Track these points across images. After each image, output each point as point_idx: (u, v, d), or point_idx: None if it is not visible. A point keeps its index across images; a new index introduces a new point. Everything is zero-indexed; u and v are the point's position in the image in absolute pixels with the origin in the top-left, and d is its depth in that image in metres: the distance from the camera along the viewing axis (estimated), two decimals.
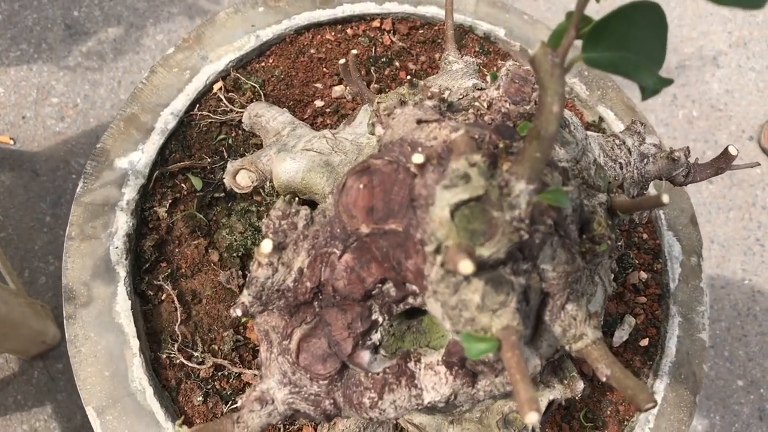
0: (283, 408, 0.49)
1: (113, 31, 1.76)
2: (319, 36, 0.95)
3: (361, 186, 0.44)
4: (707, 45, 2.11)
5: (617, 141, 0.67)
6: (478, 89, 0.63)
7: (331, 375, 0.48)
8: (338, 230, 0.45)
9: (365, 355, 0.47)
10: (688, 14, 2.12)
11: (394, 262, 0.42)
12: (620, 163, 0.66)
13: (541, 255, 0.42)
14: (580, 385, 0.60)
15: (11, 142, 1.64)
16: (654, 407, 0.38)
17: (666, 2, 2.08)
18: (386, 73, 0.94)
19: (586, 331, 0.44)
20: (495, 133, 0.40)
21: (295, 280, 0.47)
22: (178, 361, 0.82)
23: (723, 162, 0.68)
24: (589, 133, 0.66)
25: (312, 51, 0.93)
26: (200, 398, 0.81)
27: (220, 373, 0.83)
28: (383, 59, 0.93)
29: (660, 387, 0.88)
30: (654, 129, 0.86)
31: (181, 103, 0.88)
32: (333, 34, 0.95)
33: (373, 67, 0.93)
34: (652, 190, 0.95)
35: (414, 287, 0.42)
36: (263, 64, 0.92)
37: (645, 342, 0.92)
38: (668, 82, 0.36)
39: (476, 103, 0.48)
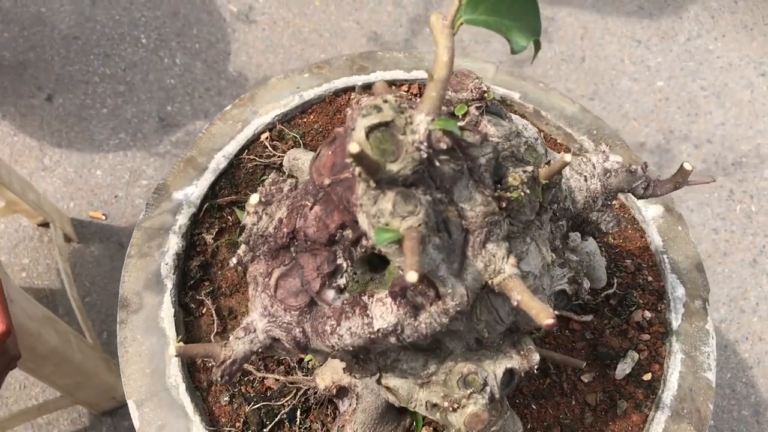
0: (263, 336, 0.60)
1: (200, 123, 1.98)
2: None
3: (330, 152, 0.56)
4: (764, 143, 2.16)
5: (584, 159, 0.77)
6: None
7: (301, 307, 0.58)
8: (311, 187, 0.57)
9: (330, 293, 0.58)
10: (744, 114, 2.19)
11: (345, 203, 0.53)
12: (585, 176, 0.76)
13: (456, 192, 0.52)
14: (536, 357, 0.67)
15: (103, 217, 1.85)
16: (553, 324, 0.47)
17: (721, 103, 2.16)
18: None
19: (504, 267, 0.53)
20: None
21: (275, 227, 0.59)
22: (210, 365, 0.93)
23: (680, 177, 0.76)
24: (557, 154, 0.76)
25: (348, 110, 1.08)
26: (226, 399, 0.91)
27: (245, 378, 0.93)
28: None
29: (661, 418, 0.92)
30: (653, 170, 0.95)
31: (232, 148, 1.03)
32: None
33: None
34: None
35: (364, 227, 0.52)
36: (305, 119, 1.08)
37: (648, 376, 0.96)
38: (537, 43, 0.47)
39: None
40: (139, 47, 2.11)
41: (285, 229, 0.58)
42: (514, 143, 0.59)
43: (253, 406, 0.90)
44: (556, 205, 0.66)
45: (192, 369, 0.93)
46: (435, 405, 0.66)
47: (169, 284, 0.95)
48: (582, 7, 2.26)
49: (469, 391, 0.65)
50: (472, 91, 0.58)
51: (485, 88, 0.59)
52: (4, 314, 1.00)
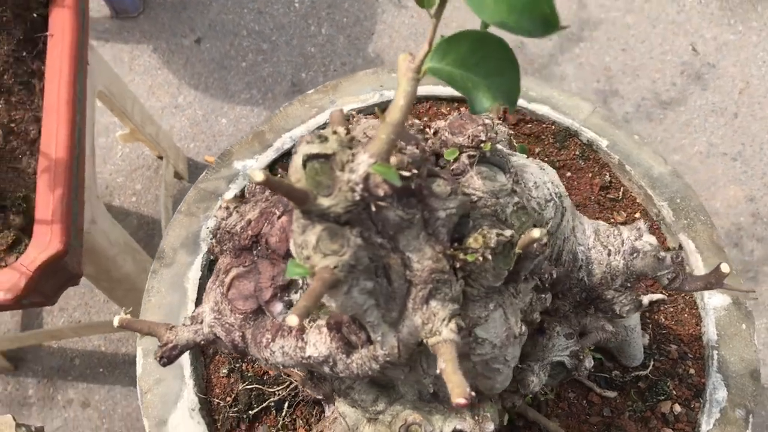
0: (207, 330, 0.60)
1: None
2: (435, 108, 1.07)
3: None
4: None
5: (615, 231, 0.71)
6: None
7: (247, 312, 0.58)
8: (284, 197, 0.56)
9: (278, 306, 0.57)
10: None
11: None
12: (609, 249, 0.70)
13: (402, 240, 0.49)
14: (490, 426, 0.63)
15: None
16: (463, 405, 0.44)
17: None
18: None
19: (442, 330, 0.50)
20: (403, 139, 0.49)
21: (242, 227, 0.59)
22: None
23: (714, 278, 0.69)
24: (587, 220, 0.71)
25: (425, 118, 1.06)
26: (225, 371, 0.93)
27: (249, 357, 0.94)
28: (520, 144, 1.03)
29: None
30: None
31: (300, 131, 1.04)
32: (447, 108, 1.07)
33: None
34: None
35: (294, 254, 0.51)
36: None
37: None
38: (509, 108, 0.43)
39: (427, 129, 0.57)
40: (290, 10, 2.17)
41: (250, 231, 0.57)
42: (502, 202, 0.55)
43: (246, 385, 0.92)
44: (553, 276, 0.61)
45: None
46: None
47: (204, 247, 0.97)
48: (751, 60, 2.08)
49: None
50: (469, 138, 0.55)
51: (483, 138, 0.55)
52: (64, 233, 1.06)
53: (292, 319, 0.40)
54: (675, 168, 1.04)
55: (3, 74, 1.15)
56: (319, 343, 0.55)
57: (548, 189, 0.64)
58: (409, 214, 0.49)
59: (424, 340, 0.51)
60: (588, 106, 1.07)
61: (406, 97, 0.44)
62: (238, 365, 0.94)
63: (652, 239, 0.69)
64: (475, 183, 0.55)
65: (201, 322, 0.60)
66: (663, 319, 0.97)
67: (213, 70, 2.09)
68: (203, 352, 0.95)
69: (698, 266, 0.97)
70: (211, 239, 0.60)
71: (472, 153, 0.55)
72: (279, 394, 0.91)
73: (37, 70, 1.18)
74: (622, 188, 1.04)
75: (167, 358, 0.60)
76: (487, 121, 0.58)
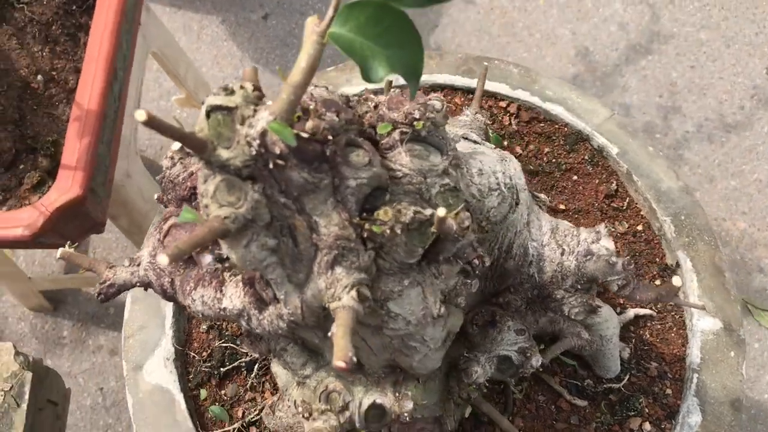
0: (143, 273, 0.62)
1: None
2: (449, 97, 1.07)
3: None
4: None
5: (574, 231, 0.70)
6: (466, 139, 0.72)
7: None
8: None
9: (207, 258, 0.59)
10: None
11: None
12: (563, 249, 0.69)
13: (309, 203, 0.50)
14: (408, 404, 0.64)
15: None
16: (341, 369, 0.44)
17: None
18: None
19: (343, 296, 0.51)
20: (323, 105, 0.50)
21: (183, 178, 0.61)
22: None
23: (665, 291, 0.67)
24: (547, 218, 0.70)
25: None
26: (205, 327, 0.96)
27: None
28: (494, 135, 1.03)
29: None
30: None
31: None
32: (462, 99, 1.07)
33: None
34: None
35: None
36: None
37: None
38: (413, 81, 0.44)
39: (368, 103, 0.57)
40: None
41: (190, 183, 0.60)
42: (428, 182, 0.55)
43: (222, 343, 0.95)
44: (482, 263, 0.61)
45: None
46: (298, 406, 0.65)
47: None
48: None
49: (324, 407, 0.63)
50: (404, 114, 0.55)
51: (417, 116, 0.55)
52: (85, 180, 1.12)
53: (162, 259, 0.42)
54: (687, 185, 1.01)
55: (51, 25, 1.21)
56: (234, 297, 0.57)
57: (496, 178, 0.64)
58: (315, 177, 0.50)
59: (327, 304, 0.52)
60: (605, 112, 1.05)
61: (309, 60, 0.44)
62: (218, 323, 0.97)
63: (610, 244, 0.68)
64: (403, 159, 0.55)
65: (138, 265, 0.63)
66: (648, 335, 0.95)
67: (275, 47, 2.14)
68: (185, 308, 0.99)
69: (692, 286, 0.94)
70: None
71: (404, 130, 0.55)
72: (251, 356, 0.93)
73: (84, 24, 1.24)
74: (627, 198, 1.01)
75: (104, 294, 0.63)
76: (435, 103, 0.58)
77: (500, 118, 1.06)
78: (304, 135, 0.49)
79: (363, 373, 0.65)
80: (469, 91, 1.07)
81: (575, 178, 1.03)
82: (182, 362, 0.94)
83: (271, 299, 0.55)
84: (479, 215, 0.63)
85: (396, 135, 0.55)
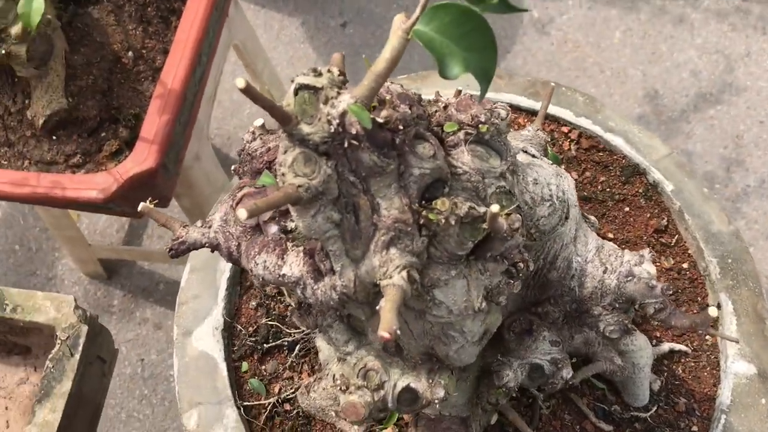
0: (213, 234, 0.67)
1: None
2: (514, 116, 1.11)
3: None
4: None
5: (618, 253, 0.72)
6: (525, 152, 0.75)
7: (246, 226, 0.65)
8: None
9: (274, 228, 0.64)
10: None
11: None
12: (606, 267, 0.72)
13: (374, 185, 0.55)
14: (440, 392, 0.67)
15: None
16: (385, 339, 0.48)
17: None
18: None
19: (394, 275, 0.55)
20: (398, 98, 0.55)
21: (261, 153, 0.66)
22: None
23: (700, 319, 0.69)
24: (594, 236, 0.73)
25: None
26: (254, 304, 1.01)
27: (280, 296, 1.02)
28: (552, 153, 1.06)
29: None
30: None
31: None
32: (525, 120, 1.11)
33: None
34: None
35: None
36: None
37: None
38: (484, 85, 0.48)
39: (438, 103, 0.62)
40: None
41: (266, 157, 0.65)
42: (486, 182, 0.59)
43: (268, 321, 1.00)
44: (534, 270, 0.64)
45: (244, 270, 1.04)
46: (336, 380, 0.69)
47: None
48: None
49: (361, 383, 0.67)
50: (470, 116, 0.59)
51: (483, 120, 0.59)
52: (159, 154, 1.18)
53: (241, 213, 0.47)
54: (738, 230, 1.03)
55: (147, 6, 1.29)
56: (294, 265, 0.61)
57: (550, 190, 0.67)
58: (383, 162, 0.54)
59: (378, 281, 0.56)
60: (665, 149, 1.07)
61: (393, 52, 0.49)
62: (267, 302, 1.02)
63: (651, 268, 0.70)
64: (464, 158, 0.59)
65: (210, 227, 0.68)
66: (680, 371, 0.96)
67: (349, 54, 2.20)
68: (240, 283, 1.04)
69: (731, 329, 0.95)
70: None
71: (469, 131, 0.59)
72: (294, 336, 0.98)
73: (177, 9, 1.31)
74: (677, 236, 1.03)
75: (175, 250, 0.68)
76: (500, 111, 0.62)
77: (561, 142, 1.09)
78: (379, 121, 0.53)
79: (401, 358, 0.69)
80: (532, 113, 1.11)
81: (627, 209, 1.05)
82: (229, 334, 1.00)
83: (327, 271, 0.59)
84: (529, 222, 0.66)
85: (461, 135, 0.59)
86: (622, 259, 0.71)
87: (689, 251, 1.02)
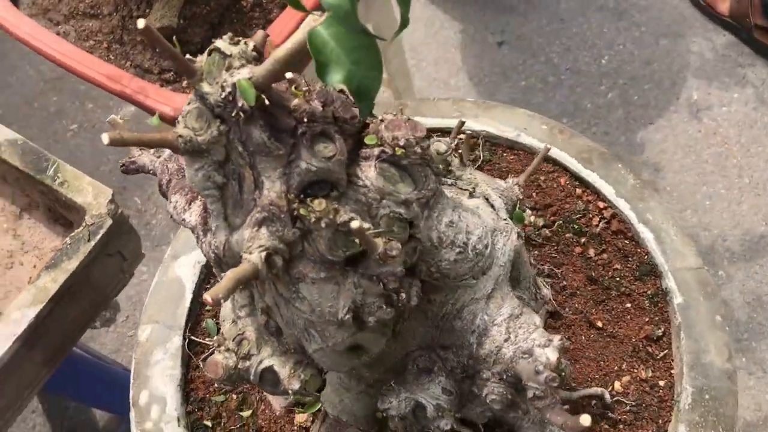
0: (158, 164, 0.72)
1: None
2: (555, 174, 1.08)
3: None
4: None
5: (530, 328, 0.70)
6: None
7: (180, 166, 0.69)
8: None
9: None
10: None
11: None
12: (509, 336, 0.69)
13: (261, 163, 0.56)
14: (296, 385, 0.68)
15: None
16: (209, 302, 0.51)
17: None
18: (566, 236, 1.03)
19: (254, 252, 0.57)
20: (318, 95, 0.57)
21: None
22: None
23: (572, 423, 0.65)
24: (513, 303, 0.71)
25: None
26: None
27: None
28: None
29: None
30: None
31: (427, 121, 1.12)
32: (566, 181, 1.07)
33: (569, 230, 1.03)
34: None
35: None
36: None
37: None
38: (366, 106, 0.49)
39: (378, 118, 0.63)
40: (594, 62, 2.19)
41: None
42: (384, 203, 0.59)
43: None
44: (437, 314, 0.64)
45: None
46: (219, 336, 0.73)
47: None
48: None
49: (233, 347, 0.70)
50: (392, 136, 0.60)
51: (401, 143, 0.60)
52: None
53: (104, 137, 0.51)
54: (735, 371, 0.95)
55: None
56: (194, 213, 0.65)
57: (467, 238, 0.66)
58: (272, 144, 0.56)
59: (242, 254, 0.59)
60: (696, 261, 1.00)
61: (294, 43, 0.51)
62: None
63: (552, 355, 0.67)
64: (369, 172, 0.60)
65: (159, 156, 0.73)
66: None
67: (494, 74, 2.20)
68: None
69: None
70: None
71: (384, 150, 0.60)
72: None
73: None
74: (666, 350, 0.97)
75: (126, 167, 0.74)
76: (440, 145, 0.62)
77: (591, 216, 1.05)
78: (287, 106, 0.55)
79: (279, 341, 0.71)
80: (577, 178, 1.07)
81: (628, 305, 1.00)
82: (208, 273, 1.05)
83: (211, 228, 0.62)
84: (430, 260, 0.66)
85: (376, 150, 0.60)
86: (529, 335, 0.69)
87: (672, 371, 0.96)
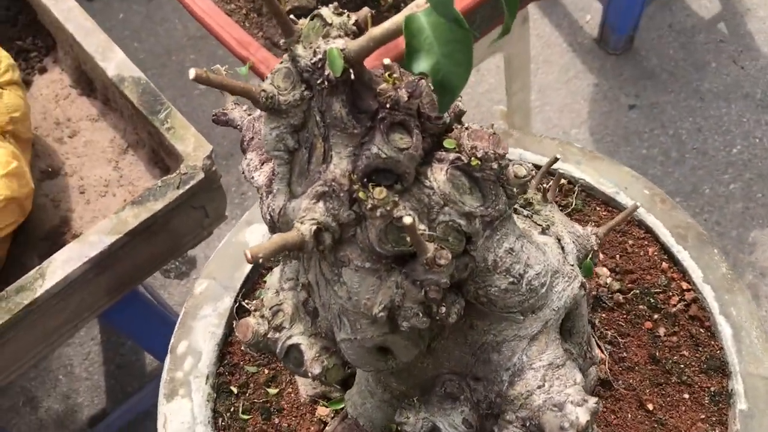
0: (246, 121, 0.73)
1: None
2: (610, 212, 1.03)
3: None
4: None
5: (568, 381, 0.66)
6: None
7: None
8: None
9: None
10: None
11: None
12: (544, 384, 0.66)
13: (334, 137, 0.56)
14: (317, 369, 0.67)
15: None
16: (248, 259, 0.51)
17: None
18: (639, 307, 0.98)
19: (305, 223, 0.56)
20: (407, 84, 0.56)
21: None
22: None
23: None
24: (557, 350, 0.68)
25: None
26: None
27: None
28: (652, 304, 0.98)
29: None
30: None
31: (528, 155, 1.09)
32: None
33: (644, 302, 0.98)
34: None
35: None
36: None
37: None
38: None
39: (464, 125, 0.61)
40: (724, 150, 2.09)
41: None
42: (445, 210, 0.58)
43: None
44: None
45: None
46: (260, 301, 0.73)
47: None
48: None
49: (268, 315, 0.70)
50: (471, 146, 0.58)
51: (479, 154, 0.58)
52: None
53: (191, 72, 0.52)
54: None
55: None
56: (263, 175, 0.65)
57: (524, 271, 0.63)
58: (349, 122, 0.55)
59: (294, 222, 0.58)
60: None
61: (393, 24, 0.50)
62: None
63: (584, 418, 0.64)
64: (440, 177, 0.58)
65: (249, 115, 0.74)
66: None
67: (617, 135, 2.14)
68: None
69: None
70: None
71: (462, 158, 0.58)
72: None
73: None
74: None
75: (217, 119, 0.75)
76: (519, 168, 0.60)
77: (671, 293, 0.99)
78: (374, 89, 0.55)
79: (313, 322, 0.70)
80: (666, 251, 1.02)
81: (686, 396, 0.94)
82: None
83: (272, 192, 0.62)
84: (480, 282, 0.63)
85: (451, 156, 0.59)
86: (564, 389, 0.65)
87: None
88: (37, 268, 1.16)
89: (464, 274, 0.62)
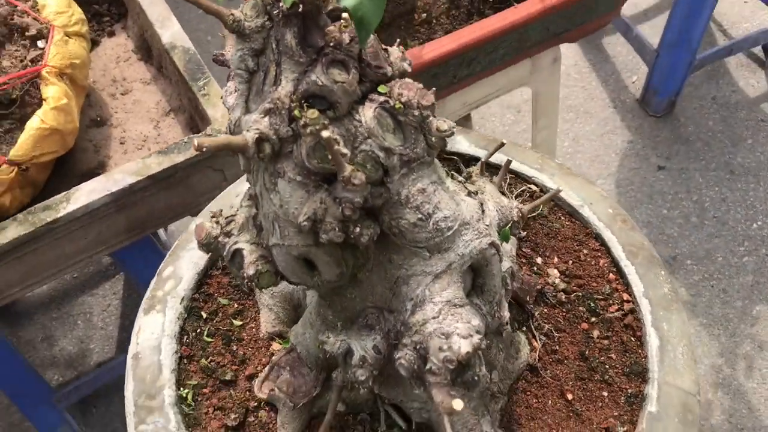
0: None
1: None
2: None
3: None
4: None
5: (462, 318, 0.76)
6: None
7: None
8: None
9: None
10: None
11: None
12: (439, 316, 0.75)
13: (284, 63, 0.68)
14: (251, 271, 0.78)
15: None
16: (195, 147, 0.64)
17: None
18: (579, 309, 1.06)
19: (250, 131, 0.68)
20: (350, 32, 0.68)
21: None
22: None
23: (447, 403, 0.70)
24: (459, 298, 0.77)
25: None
26: None
27: None
28: (592, 308, 1.05)
29: None
30: None
31: (524, 167, 1.19)
32: (605, 263, 1.10)
33: (584, 305, 1.06)
34: None
35: None
36: None
37: None
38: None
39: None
40: (748, 228, 2.12)
41: None
42: (369, 142, 0.69)
43: None
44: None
45: None
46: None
47: None
48: None
49: (222, 222, 0.82)
50: (398, 93, 0.69)
51: (403, 100, 0.69)
52: None
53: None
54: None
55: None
56: (233, 96, 0.78)
57: (433, 213, 0.74)
58: (298, 51, 0.67)
59: (243, 131, 0.70)
60: (693, 388, 0.99)
61: None
62: None
63: (465, 348, 0.73)
64: (368, 113, 0.69)
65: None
66: None
67: (641, 192, 2.20)
68: None
69: None
70: None
71: (390, 101, 0.69)
72: None
73: (484, 11, 1.50)
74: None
75: (215, 59, 0.88)
76: (445, 123, 0.71)
77: (611, 302, 1.06)
78: (322, 27, 0.67)
79: (259, 235, 0.81)
80: (616, 265, 1.10)
81: (604, 393, 1.00)
82: None
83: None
84: (393, 213, 0.74)
85: (381, 98, 0.70)
86: (455, 323, 0.75)
87: None
88: (65, 193, 1.31)
89: (378, 201, 0.72)
